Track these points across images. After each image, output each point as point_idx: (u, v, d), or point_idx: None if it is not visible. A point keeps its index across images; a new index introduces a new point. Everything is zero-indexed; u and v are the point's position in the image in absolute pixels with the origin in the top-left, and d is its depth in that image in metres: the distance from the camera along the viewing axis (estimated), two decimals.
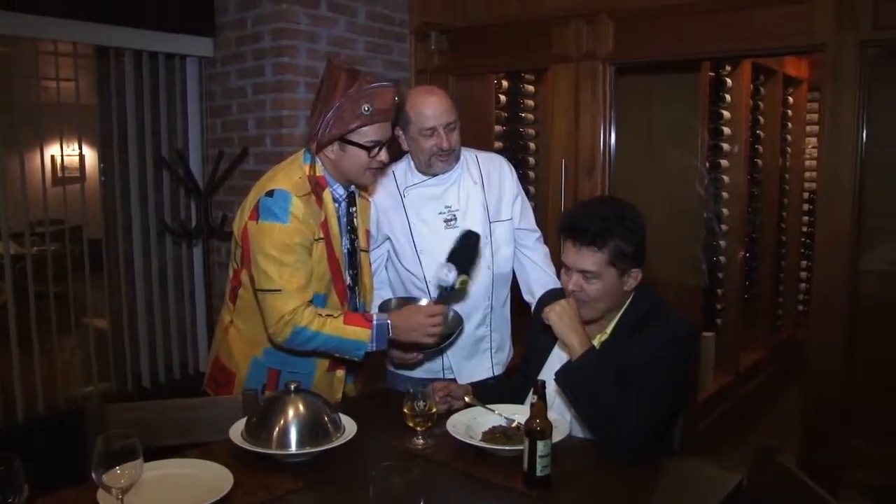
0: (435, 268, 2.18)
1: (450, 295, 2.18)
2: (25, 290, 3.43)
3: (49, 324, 3.53)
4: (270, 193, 2.08)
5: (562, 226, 2.03)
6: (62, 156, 3.55)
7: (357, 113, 2.06)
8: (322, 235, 2.15)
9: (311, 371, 2.26)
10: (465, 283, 2.19)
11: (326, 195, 2.18)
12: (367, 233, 2.40)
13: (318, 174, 2.16)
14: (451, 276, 2.13)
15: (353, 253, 2.29)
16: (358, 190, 2.32)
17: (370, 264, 2.42)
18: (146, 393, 3.77)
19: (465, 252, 2.21)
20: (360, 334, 2.09)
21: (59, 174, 3.82)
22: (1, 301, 3.64)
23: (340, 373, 2.32)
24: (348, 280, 2.26)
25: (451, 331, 2.32)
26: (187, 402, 2.24)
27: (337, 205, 2.22)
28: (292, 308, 2.04)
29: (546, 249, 2.66)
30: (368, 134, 2.10)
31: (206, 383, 2.38)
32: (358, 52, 3.80)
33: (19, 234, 3.66)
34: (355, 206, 2.31)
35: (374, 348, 2.13)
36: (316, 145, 2.13)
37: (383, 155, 2.15)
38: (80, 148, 3.61)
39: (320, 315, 2.08)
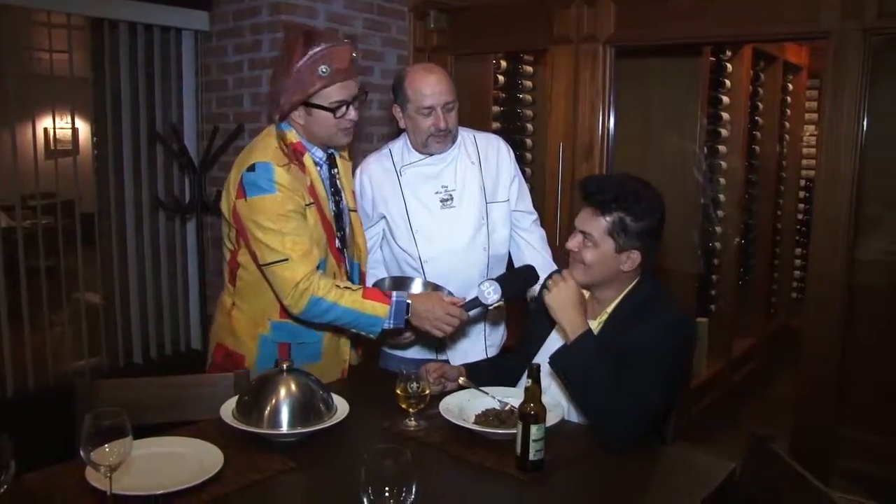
0: (482, 280, 2.13)
1: (476, 307, 2.15)
2: (16, 263, 3.40)
3: (40, 298, 3.50)
4: (252, 168, 2.06)
5: (579, 183, 2.03)
6: (54, 129, 3.50)
7: (316, 75, 2.04)
8: (311, 200, 2.14)
9: (319, 339, 2.26)
10: (497, 308, 2.16)
11: (307, 159, 2.17)
12: (353, 193, 2.39)
13: (293, 141, 2.15)
14: (492, 297, 2.09)
15: (339, 215, 2.27)
16: (337, 151, 2.30)
17: (360, 223, 2.41)
18: (138, 369, 3.76)
19: (517, 282, 2.19)
20: (377, 310, 2.08)
21: (52, 147, 3.78)
22: None
23: (345, 337, 2.33)
24: (337, 242, 2.24)
25: None
26: (178, 379, 2.22)
27: (318, 168, 2.21)
28: (303, 275, 2.03)
29: (543, 232, 2.64)
30: (331, 95, 2.08)
31: (208, 371, 2.34)
32: (356, 29, 3.75)
33: (11, 207, 3.63)
34: (337, 167, 2.30)
35: (391, 325, 2.11)
36: (280, 114, 2.10)
37: (352, 113, 2.13)
38: (73, 121, 3.57)
39: (338, 287, 2.07)
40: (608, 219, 1.94)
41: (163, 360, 3.87)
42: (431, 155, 2.43)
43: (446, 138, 2.39)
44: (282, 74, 2.07)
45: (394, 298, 2.10)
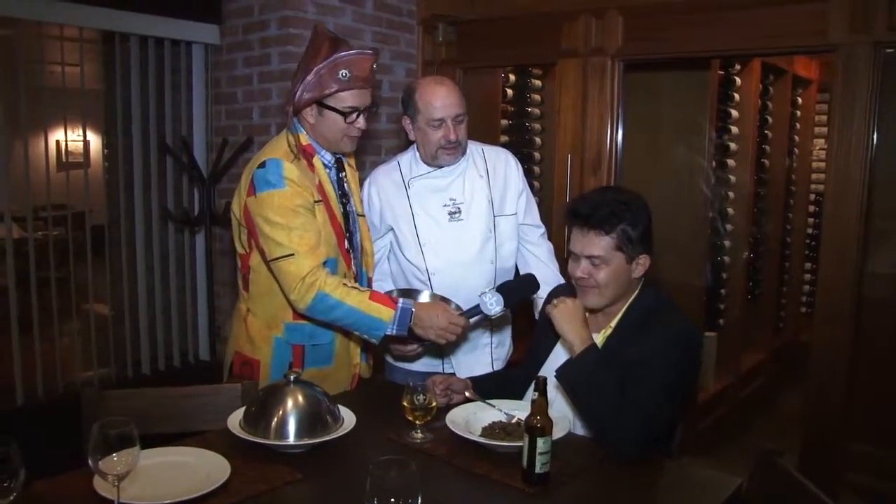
0: (484, 290, 2.13)
1: (478, 316, 2.15)
2: (27, 274, 3.42)
3: (50, 309, 3.52)
4: (262, 165, 2.10)
5: (568, 212, 2.04)
6: (66, 141, 3.53)
7: (335, 78, 2.09)
8: (320, 198, 2.17)
9: (331, 340, 2.28)
10: (499, 317, 2.17)
11: (317, 161, 2.21)
12: (361, 200, 2.43)
13: (304, 143, 2.19)
14: (496, 308, 2.10)
15: (347, 217, 2.30)
16: (345, 157, 2.34)
17: (368, 229, 2.43)
18: (146, 380, 3.76)
19: (519, 292, 2.21)
20: (382, 313, 2.08)
21: (64, 159, 3.81)
22: (2, 285, 3.63)
23: (354, 342, 2.35)
24: (346, 243, 2.27)
25: None
26: (185, 389, 2.22)
27: (328, 170, 2.25)
28: (309, 269, 2.04)
29: (550, 245, 2.64)
30: (346, 99, 2.13)
31: (228, 381, 2.33)
32: (365, 42, 3.78)
33: (22, 218, 3.66)
34: (344, 171, 2.33)
35: (395, 332, 2.11)
36: (293, 107, 2.14)
37: (361, 122, 2.18)
38: (84, 134, 3.60)
39: (345, 285, 2.08)
40: (613, 235, 1.94)
41: (171, 371, 3.88)
42: (440, 167, 2.43)
43: (456, 151, 2.39)
44: (303, 71, 2.12)
45: (399, 304, 2.11)
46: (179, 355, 3.97)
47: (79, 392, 2.27)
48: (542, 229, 2.64)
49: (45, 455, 1.83)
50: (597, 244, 1.95)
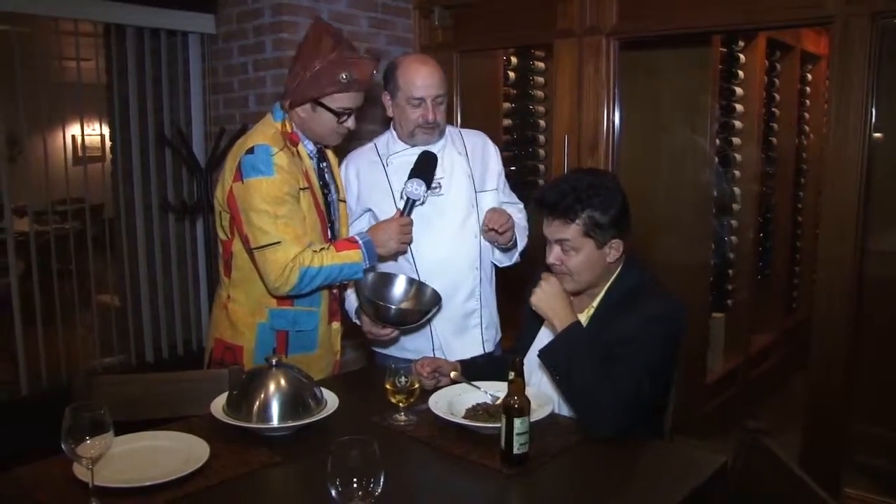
0: (403, 185, 2.27)
1: (413, 207, 2.27)
2: (31, 267, 3.46)
3: (54, 301, 3.56)
4: (251, 150, 2.10)
5: (534, 199, 2.02)
6: (64, 136, 3.55)
7: (335, 79, 2.10)
8: (307, 185, 2.19)
9: (315, 326, 2.30)
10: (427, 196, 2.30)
11: (301, 149, 2.23)
12: (342, 184, 2.45)
13: (289, 131, 2.20)
14: (420, 189, 2.25)
15: (328, 207, 2.32)
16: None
17: (347, 215, 2.44)
18: (149, 369, 3.79)
19: (426, 166, 2.30)
20: (353, 256, 2.16)
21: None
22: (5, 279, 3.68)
23: (336, 324, 2.39)
24: (329, 232, 2.30)
25: (429, 308, 2.31)
26: (174, 375, 2.25)
27: (311, 160, 2.26)
28: (293, 255, 2.07)
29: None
30: (341, 101, 2.15)
31: (208, 368, 2.35)
32: (361, 27, 3.76)
33: (26, 212, 3.70)
34: (326, 160, 2.35)
35: (368, 264, 2.19)
36: (289, 102, 2.16)
37: (351, 122, 2.21)
38: (82, 128, 3.61)
39: (315, 251, 2.12)
40: (578, 222, 1.92)
41: (174, 360, 3.91)
42: (416, 146, 2.42)
43: (433, 131, 2.39)
44: (301, 66, 2.12)
45: (360, 241, 2.18)
46: (182, 343, 4.00)
47: (68, 381, 2.30)
48: (521, 205, 2.65)
49: (47, 444, 1.85)
50: (563, 230, 1.94)
